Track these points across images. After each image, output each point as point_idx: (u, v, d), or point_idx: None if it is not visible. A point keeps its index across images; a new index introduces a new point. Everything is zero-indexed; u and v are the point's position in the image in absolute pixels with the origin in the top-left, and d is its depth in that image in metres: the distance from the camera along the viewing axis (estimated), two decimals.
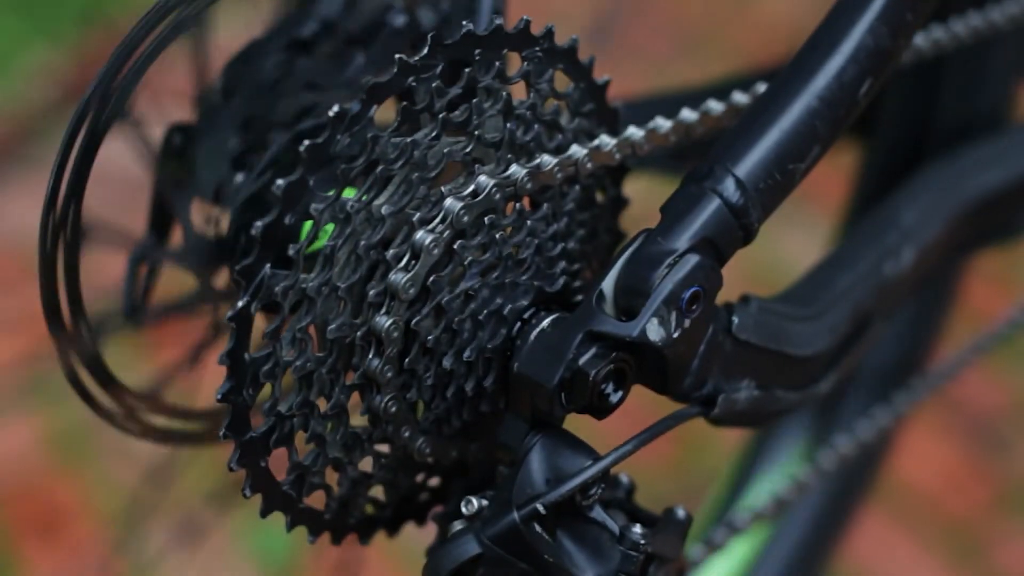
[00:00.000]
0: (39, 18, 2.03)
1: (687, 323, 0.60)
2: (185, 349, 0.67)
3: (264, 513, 0.61)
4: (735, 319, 0.63)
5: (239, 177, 0.64)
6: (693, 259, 0.60)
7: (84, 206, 0.60)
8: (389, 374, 0.60)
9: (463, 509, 0.61)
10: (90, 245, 0.61)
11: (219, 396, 0.58)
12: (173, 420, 0.68)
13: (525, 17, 0.62)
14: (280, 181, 0.57)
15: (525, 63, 0.63)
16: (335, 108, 0.58)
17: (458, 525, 0.61)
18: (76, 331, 0.63)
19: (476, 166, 0.62)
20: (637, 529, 0.61)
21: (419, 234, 0.59)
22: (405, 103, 0.60)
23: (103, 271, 0.66)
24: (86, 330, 0.63)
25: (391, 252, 0.59)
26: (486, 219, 0.62)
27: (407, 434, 0.62)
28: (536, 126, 0.64)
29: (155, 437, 0.67)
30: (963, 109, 0.94)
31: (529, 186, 0.61)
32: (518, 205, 0.63)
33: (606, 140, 0.63)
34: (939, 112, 0.95)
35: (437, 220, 0.60)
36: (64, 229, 0.60)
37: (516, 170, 0.61)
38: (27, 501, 1.52)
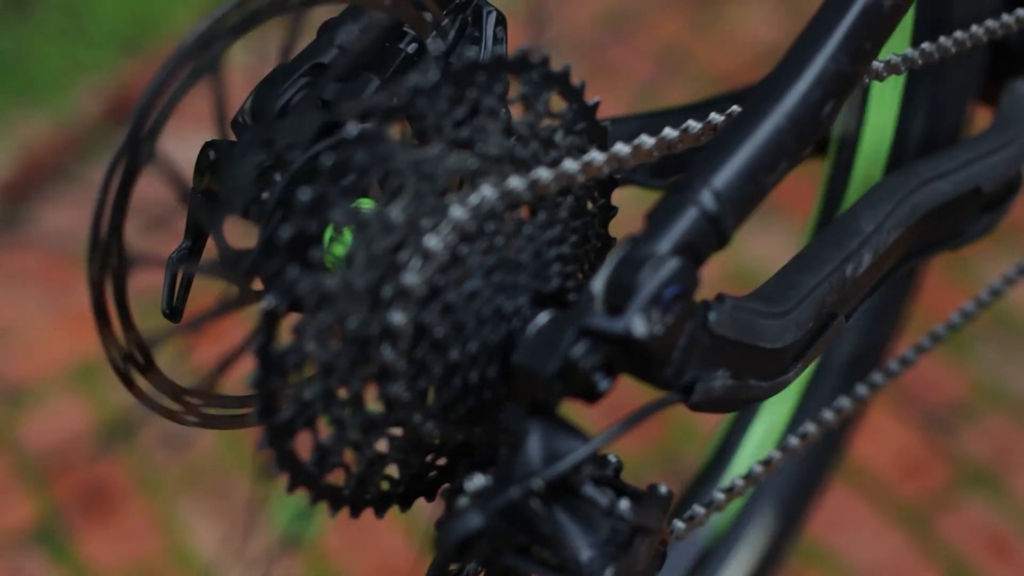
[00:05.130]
0: (88, 44, 2.03)
1: (668, 319, 0.60)
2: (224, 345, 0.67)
3: (290, 489, 0.62)
4: (712, 315, 0.63)
5: (265, 195, 0.65)
6: (674, 262, 0.60)
7: (127, 237, 0.61)
8: (401, 365, 0.60)
9: (468, 487, 0.61)
10: (134, 271, 0.62)
11: (250, 385, 0.58)
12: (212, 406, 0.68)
13: (523, 46, 0.63)
14: (304, 194, 0.57)
15: (523, 86, 0.63)
16: (353, 128, 0.58)
17: (464, 501, 0.61)
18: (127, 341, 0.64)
19: (479, 178, 0.62)
20: (624, 504, 0.61)
21: (428, 239, 0.60)
22: (416, 123, 0.60)
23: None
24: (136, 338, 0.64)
25: (403, 255, 0.60)
26: (488, 226, 0.62)
27: (418, 418, 0.62)
28: (533, 142, 0.64)
29: (195, 422, 0.68)
30: (922, 128, 0.94)
31: (527, 196, 0.62)
32: (517, 214, 0.63)
33: (596, 155, 0.63)
34: (897, 131, 0.95)
35: (444, 227, 0.60)
36: (109, 258, 0.61)
37: (515, 182, 0.61)
38: (78, 476, 1.52)
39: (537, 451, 0.60)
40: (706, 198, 0.61)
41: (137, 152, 0.60)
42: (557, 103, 0.64)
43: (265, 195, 0.64)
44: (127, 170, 0.60)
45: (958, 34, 0.77)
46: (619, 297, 0.60)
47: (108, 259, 0.61)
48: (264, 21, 0.61)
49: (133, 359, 0.64)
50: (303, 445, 0.61)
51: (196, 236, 0.67)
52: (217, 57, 0.59)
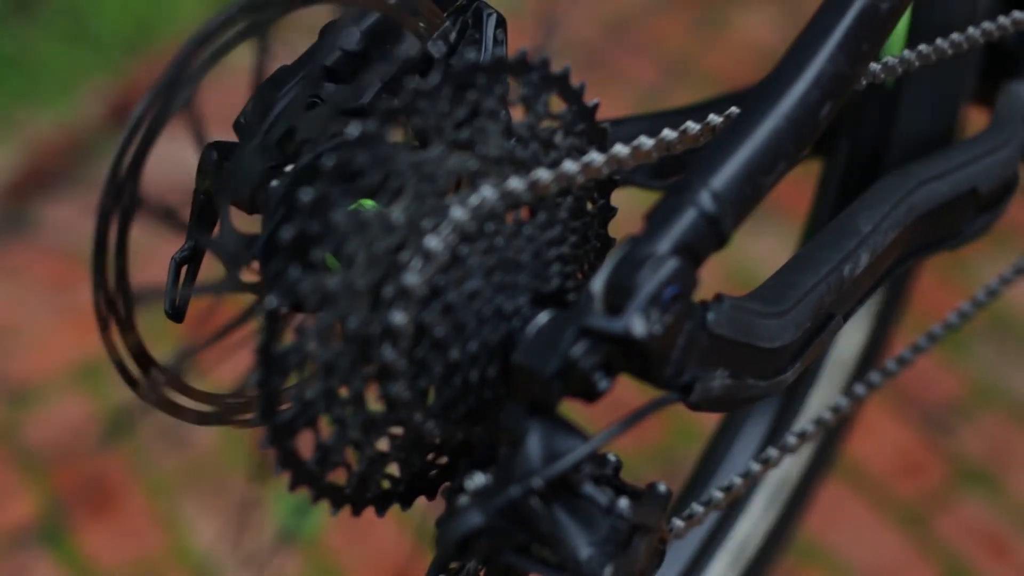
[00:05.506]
0: (92, 46, 2.03)
1: (667, 319, 0.60)
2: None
3: (292, 488, 0.62)
4: (710, 315, 0.63)
5: (273, 184, 0.64)
6: (673, 262, 0.60)
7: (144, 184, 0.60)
8: (402, 364, 0.60)
9: (469, 485, 0.61)
10: (142, 220, 0.61)
11: (252, 385, 0.58)
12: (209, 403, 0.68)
13: (523, 48, 0.63)
14: (306, 194, 0.57)
15: (523, 88, 0.63)
16: (356, 129, 0.58)
17: (464, 499, 0.61)
18: (128, 326, 0.63)
19: (480, 179, 0.62)
20: (623, 502, 0.61)
21: (429, 240, 0.60)
22: (417, 124, 0.60)
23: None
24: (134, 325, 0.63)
25: (404, 256, 0.59)
26: (488, 226, 0.62)
27: (418, 418, 0.62)
28: (533, 144, 0.64)
29: (192, 418, 0.67)
30: (917, 129, 0.94)
31: (527, 197, 0.62)
32: (517, 214, 0.63)
33: (596, 156, 0.63)
34: (895, 132, 0.95)
35: (445, 227, 0.60)
36: (121, 201, 0.60)
37: (516, 183, 0.61)
38: (80, 473, 1.52)
39: (537, 450, 0.60)
40: (705, 199, 0.61)
41: (173, 90, 0.59)
42: (557, 105, 0.64)
43: (271, 187, 0.64)
44: (160, 109, 0.60)
45: (955, 36, 0.77)
46: (618, 297, 0.60)
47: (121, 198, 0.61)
48: (242, 41, 0.61)
49: (116, 317, 0.63)
50: (305, 444, 0.61)
51: (200, 231, 0.67)
52: (273, 17, 0.59)
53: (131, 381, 0.64)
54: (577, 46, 2.04)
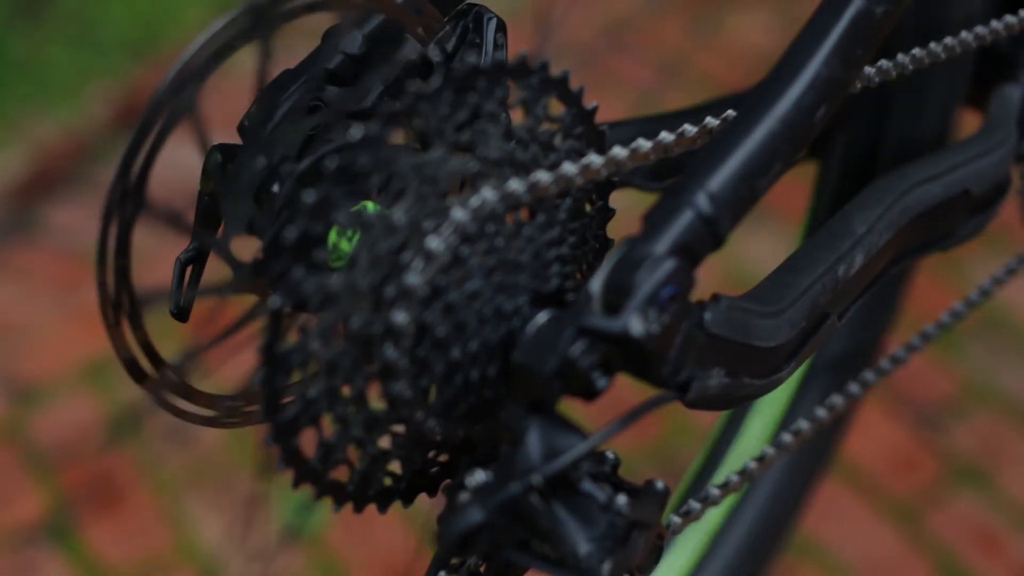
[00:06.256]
0: (98, 51, 2.03)
1: (665, 319, 0.60)
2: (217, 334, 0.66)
3: (295, 485, 0.62)
4: (707, 315, 0.63)
5: (275, 187, 0.64)
6: (670, 262, 0.60)
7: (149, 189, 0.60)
8: (404, 364, 0.60)
9: (469, 482, 0.61)
10: (147, 222, 0.61)
11: (255, 383, 0.58)
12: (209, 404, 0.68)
13: (522, 52, 0.63)
14: (308, 196, 0.57)
15: (523, 91, 0.63)
16: (359, 131, 0.58)
17: (465, 496, 0.61)
18: (133, 322, 0.63)
19: (480, 181, 0.62)
20: (621, 499, 0.61)
21: (430, 241, 0.60)
22: (418, 126, 0.60)
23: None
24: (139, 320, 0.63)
25: (406, 256, 0.59)
26: (489, 227, 0.62)
27: (420, 416, 0.62)
28: (533, 146, 0.64)
29: (195, 418, 0.68)
30: (910, 132, 0.94)
31: (527, 198, 0.62)
32: (517, 215, 0.63)
33: (594, 158, 0.63)
34: (888, 135, 0.95)
35: (446, 228, 0.60)
36: (125, 204, 0.60)
37: (515, 184, 0.61)
38: (86, 471, 1.52)
39: (536, 448, 0.60)
40: (701, 200, 0.61)
41: (177, 95, 0.59)
42: (556, 108, 0.64)
43: (274, 189, 0.64)
44: (166, 116, 0.60)
45: (948, 40, 0.77)
46: (617, 297, 0.60)
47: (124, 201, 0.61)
48: (236, 50, 0.61)
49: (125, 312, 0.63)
50: (308, 442, 0.61)
51: (203, 238, 0.67)
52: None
53: (139, 379, 0.64)
54: (574, 49, 2.04)
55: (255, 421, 0.69)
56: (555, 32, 2.00)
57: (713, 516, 1.05)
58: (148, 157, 0.60)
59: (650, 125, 0.75)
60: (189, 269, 0.68)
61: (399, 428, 0.63)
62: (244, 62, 0.65)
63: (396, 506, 0.67)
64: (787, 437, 0.79)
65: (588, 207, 0.67)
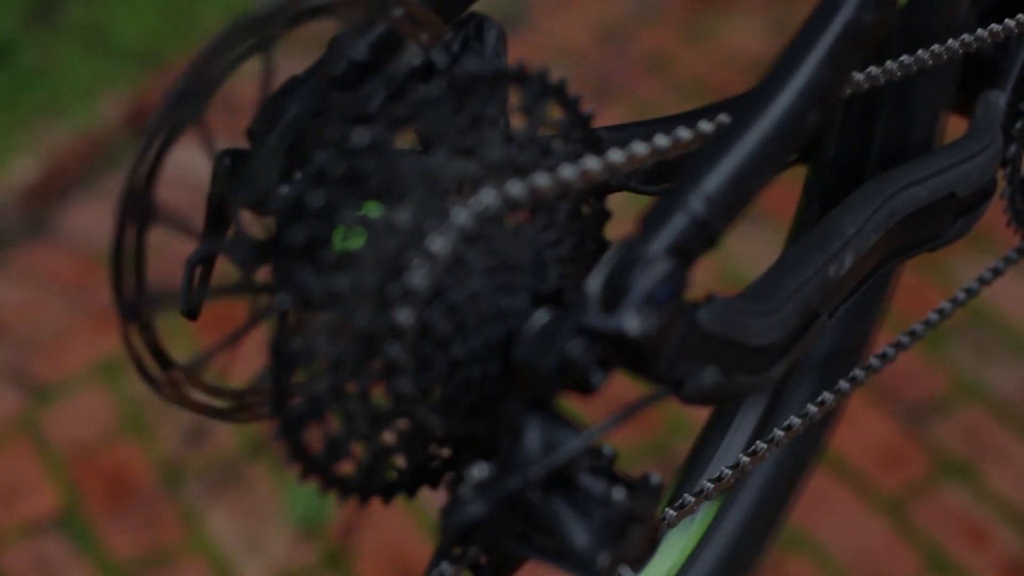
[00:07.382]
0: (111, 58, 2.03)
1: (661, 317, 0.60)
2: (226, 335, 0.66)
3: (301, 478, 0.62)
4: (702, 314, 0.63)
5: (283, 189, 0.65)
6: (666, 263, 0.60)
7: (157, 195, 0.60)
8: (407, 361, 0.60)
9: (471, 476, 0.61)
10: (158, 227, 0.61)
11: (263, 380, 0.58)
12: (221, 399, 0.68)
13: (520, 59, 0.63)
14: (315, 198, 0.57)
15: (523, 97, 0.63)
16: (363, 135, 0.58)
17: (467, 490, 0.61)
18: (142, 316, 0.63)
19: (481, 184, 0.62)
20: (618, 493, 0.61)
21: (432, 242, 0.60)
22: (421, 131, 0.60)
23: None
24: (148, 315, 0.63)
25: (408, 257, 0.60)
26: (489, 229, 0.62)
27: (423, 412, 0.62)
28: (532, 150, 0.64)
29: (207, 412, 0.68)
30: (898, 137, 0.94)
31: (526, 201, 0.62)
32: (517, 217, 0.63)
33: (592, 162, 0.63)
34: (876, 139, 0.95)
35: (448, 230, 0.60)
36: (137, 210, 0.60)
37: (515, 187, 0.61)
38: (99, 466, 1.52)
39: (536, 443, 0.60)
40: (696, 203, 0.61)
41: (182, 107, 0.59)
42: (555, 113, 0.64)
43: (282, 191, 0.64)
44: (171, 126, 0.60)
45: (935, 47, 0.77)
46: (614, 296, 0.60)
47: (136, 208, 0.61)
48: (249, 55, 0.61)
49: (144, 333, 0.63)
50: (314, 437, 0.61)
51: (214, 233, 0.67)
52: (275, 32, 0.59)
53: (150, 379, 0.65)
54: (572, 57, 2.04)
55: (264, 416, 0.69)
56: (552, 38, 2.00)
57: (703, 511, 1.05)
58: (154, 163, 0.60)
59: (646, 129, 0.75)
60: (198, 270, 0.68)
61: (403, 424, 0.63)
62: (249, 66, 0.65)
63: (399, 498, 0.66)
64: (778, 433, 0.80)
65: (586, 209, 0.67)
